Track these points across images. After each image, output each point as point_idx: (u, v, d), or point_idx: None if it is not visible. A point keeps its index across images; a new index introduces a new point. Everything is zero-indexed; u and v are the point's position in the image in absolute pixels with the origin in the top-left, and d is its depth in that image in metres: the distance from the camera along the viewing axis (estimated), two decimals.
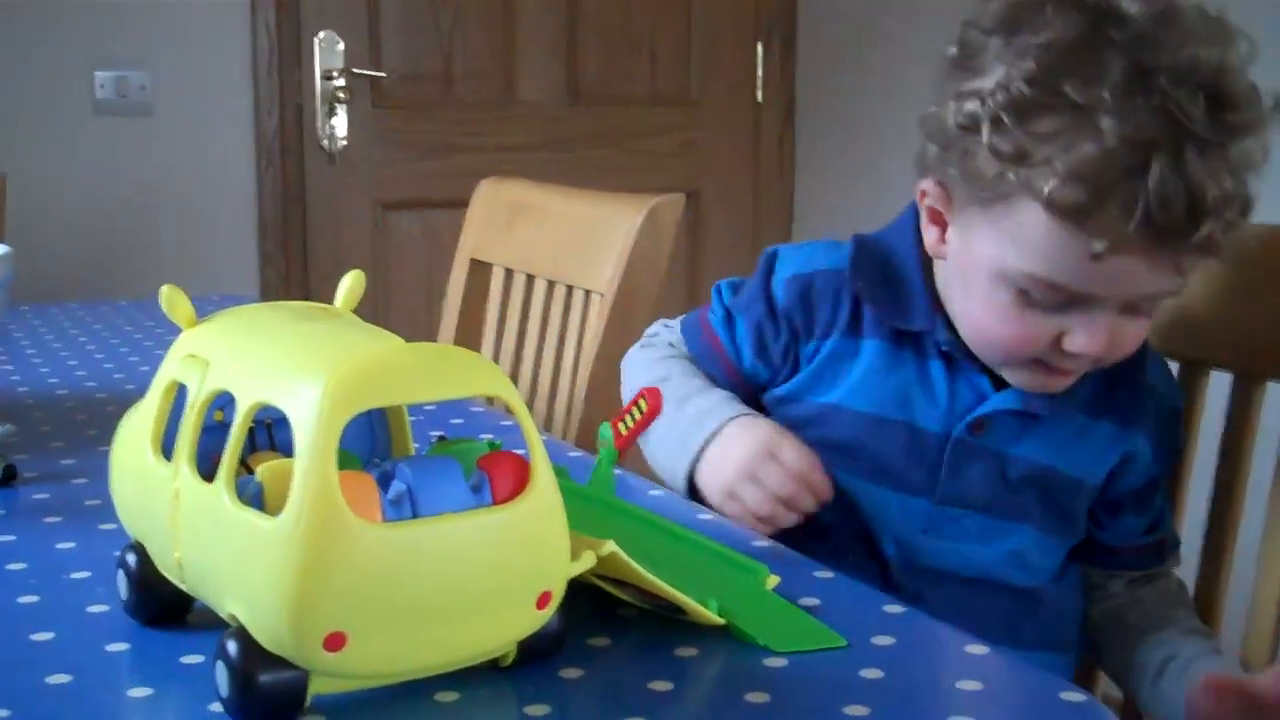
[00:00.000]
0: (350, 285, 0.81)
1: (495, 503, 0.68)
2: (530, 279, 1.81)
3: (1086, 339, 0.98)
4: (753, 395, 1.15)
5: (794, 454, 1.02)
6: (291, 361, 0.68)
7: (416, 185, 3.27)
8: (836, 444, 1.08)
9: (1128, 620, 1.14)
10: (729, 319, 1.16)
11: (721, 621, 0.80)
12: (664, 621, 0.81)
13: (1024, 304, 0.99)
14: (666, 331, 1.23)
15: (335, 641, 0.64)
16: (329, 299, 0.82)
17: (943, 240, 1.06)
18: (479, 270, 1.91)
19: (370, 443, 0.82)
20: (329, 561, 0.63)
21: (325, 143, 3.16)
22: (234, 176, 3.12)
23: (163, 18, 3.04)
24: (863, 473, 1.08)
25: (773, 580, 0.87)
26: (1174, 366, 1.18)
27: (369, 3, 3.18)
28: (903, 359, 1.08)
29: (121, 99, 3.04)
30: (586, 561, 0.75)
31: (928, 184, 1.06)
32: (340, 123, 3.16)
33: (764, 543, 0.98)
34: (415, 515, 0.66)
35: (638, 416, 0.95)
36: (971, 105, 0.97)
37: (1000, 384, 1.07)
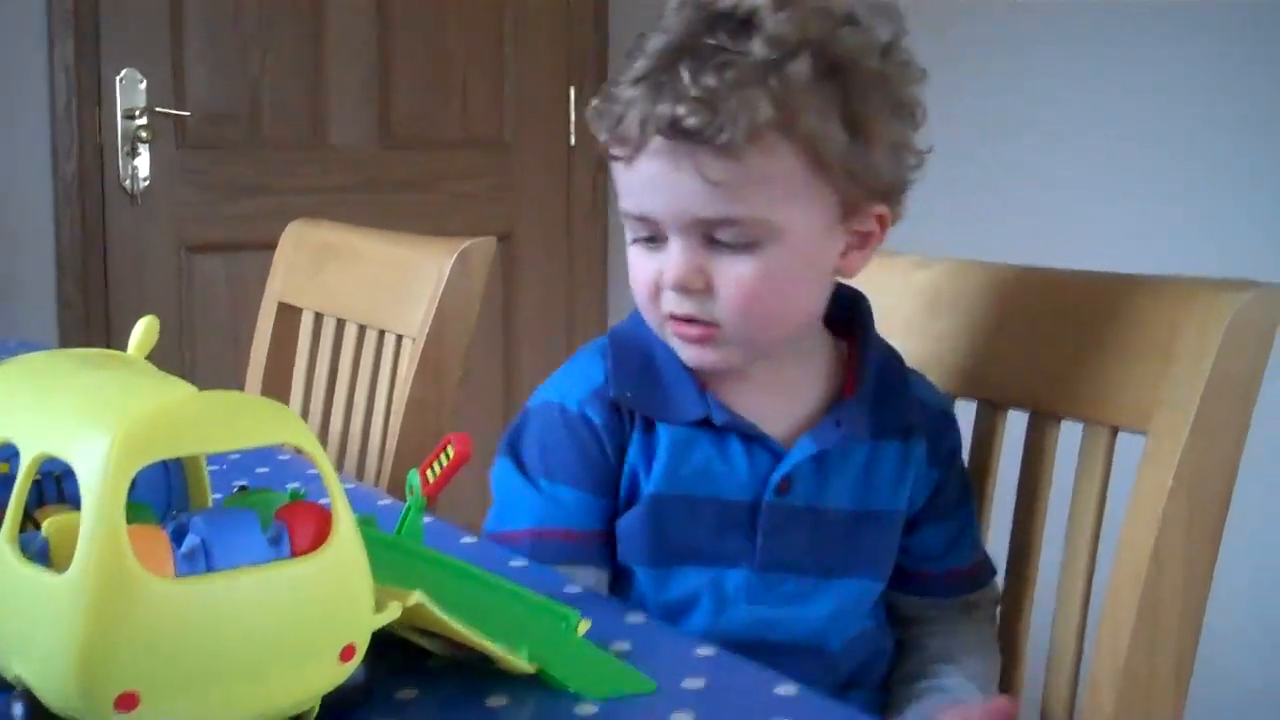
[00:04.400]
0: (144, 331, 0.79)
1: (294, 554, 0.67)
2: (340, 323, 1.78)
3: (669, 270, 1.04)
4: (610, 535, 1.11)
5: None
6: (78, 411, 0.66)
7: (222, 227, 3.20)
8: (653, 533, 1.07)
9: (927, 650, 1.16)
10: (549, 495, 1.10)
11: (532, 669, 0.79)
12: (474, 670, 0.80)
13: (635, 250, 1.07)
14: None
15: (127, 702, 0.62)
16: None
17: None
18: (287, 314, 1.88)
19: (167, 495, 0.79)
20: (118, 618, 0.61)
21: (127, 183, 3.08)
22: (31, 218, 3.01)
23: None
24: (682, 558, 1.08)
25: (584, 625, 0.86)
26: (973, 406, 1.23)
27: (173, 40, 3.11)
28: (697, 438, 1.08)
29: None
30: (392, 613, 0.73)
31: None
32: (143, 163, 3.08)
33: (575, 588, 0.97)
34: (210, 569, 0.64)
35: (445, 463, 0.94)
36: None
37: (789, 444, 1.08)
